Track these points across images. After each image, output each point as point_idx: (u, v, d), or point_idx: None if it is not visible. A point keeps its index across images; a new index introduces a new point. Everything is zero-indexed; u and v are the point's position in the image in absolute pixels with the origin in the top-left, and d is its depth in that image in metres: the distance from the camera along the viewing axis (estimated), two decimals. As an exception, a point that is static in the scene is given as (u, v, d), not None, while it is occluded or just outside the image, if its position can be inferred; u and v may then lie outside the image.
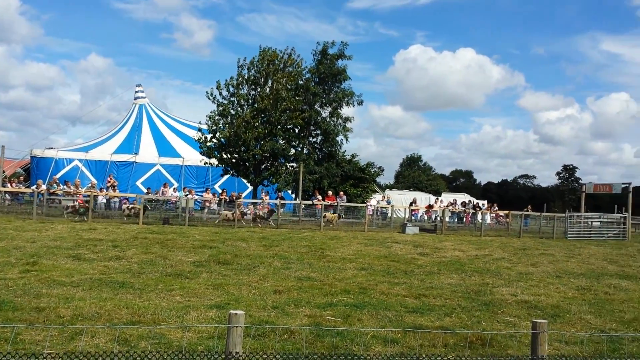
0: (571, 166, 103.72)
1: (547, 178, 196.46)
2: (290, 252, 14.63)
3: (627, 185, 28.74)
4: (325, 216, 24.82)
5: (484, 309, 9.10)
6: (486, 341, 7.09)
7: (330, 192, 28.68)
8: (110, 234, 16.68)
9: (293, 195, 31.29)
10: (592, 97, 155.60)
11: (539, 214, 32.10)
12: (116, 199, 26.47)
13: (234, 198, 25.62)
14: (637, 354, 6.91)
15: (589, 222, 29.45)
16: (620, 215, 28.93)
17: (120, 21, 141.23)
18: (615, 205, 36.57)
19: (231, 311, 4.03)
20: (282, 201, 27.54)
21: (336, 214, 25.17)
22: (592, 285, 11.78)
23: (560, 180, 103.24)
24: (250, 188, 32.38)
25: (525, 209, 32.65)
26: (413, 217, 30.05)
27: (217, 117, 29.79)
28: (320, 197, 27.39)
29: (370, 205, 29.03)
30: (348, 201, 28.79)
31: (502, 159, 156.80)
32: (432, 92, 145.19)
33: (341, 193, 29.27)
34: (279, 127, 30.05)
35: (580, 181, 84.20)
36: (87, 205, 22.67)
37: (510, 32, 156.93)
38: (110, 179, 29.92)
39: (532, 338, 4.63)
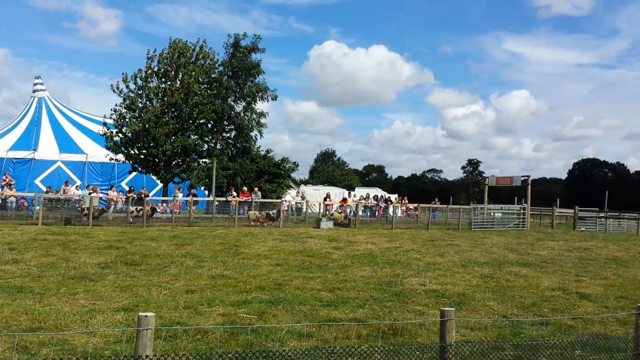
0: (475, 160, 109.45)
1: (453, 172, 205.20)
2: (203, 250, 14.31)
3: (526, 177, 30.49)
4: (332, 214, 26.11)
5: (395, 300, 9.34)
6: (397, 331, 7.28)
7: (245, 188, 28.40)
8: (6, 236, 15.55)
9: (206, 192, 30.69)
10: (495, 95, 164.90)
11: (445, 206, 33.50)
12: (12, 199, 24.76)
13: (143, 196, 24.73)
14: (537, 336, 7.35)
15: (492, 214, 31.08)
16: (520, 206, 30.78)
17: (19, 9, 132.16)
18: (516, 197, 38.88)
19: (140, 313, 3.85)
20: (195, 198, 26.93)
21: (342, 214, 25.61)
22: (494, 273, 12.42)
23: (465, 174, 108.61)
24: (160, 185, 31.41)
25: (433, 202, 33.98)
26: (327, 212, 30.38)
27: (123, 111, 28.62)
28: (235, 194, 27.04)
29: (286, 201, 29.06)
30: (263, 197, 28.64)
31: (412, 154, 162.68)
32: (345, 88, 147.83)
33: (256, 189, 29.06)
34: (190, 122, 29.34)
35: (483, 174, 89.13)
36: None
37: (420, 30, 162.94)
38: (6, 177, 27.88)
39: (440, 326, 4.77)
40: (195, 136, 30.32)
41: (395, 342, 6.67)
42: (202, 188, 31.62)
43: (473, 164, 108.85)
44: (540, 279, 11.87)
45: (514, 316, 8.57)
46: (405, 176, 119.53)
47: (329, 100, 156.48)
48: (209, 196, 28.21)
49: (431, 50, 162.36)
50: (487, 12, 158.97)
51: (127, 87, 28.79)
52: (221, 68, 30.99)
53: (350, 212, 30.05)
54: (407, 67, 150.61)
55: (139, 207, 22.72)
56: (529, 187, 29.82)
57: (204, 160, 30.90)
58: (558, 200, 43.14)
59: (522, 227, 28.11)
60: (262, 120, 31.56)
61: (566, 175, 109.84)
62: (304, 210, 29.49)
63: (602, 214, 36.00)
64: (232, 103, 31.13)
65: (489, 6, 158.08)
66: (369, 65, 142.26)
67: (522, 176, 31.05)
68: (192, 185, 29.37)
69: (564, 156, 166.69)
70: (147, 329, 3.80)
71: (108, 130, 28.70)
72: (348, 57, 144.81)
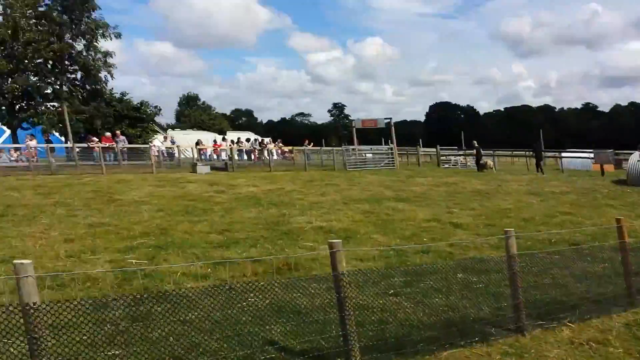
0: (340, 104, 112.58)
1: (321, 115, 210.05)
2: (73, 199, 13.29)
3: (389, 120, 31.90)
4: (486, 163, 28.77)
5: (285, 238, 9.45)
6: (292, 266, 7.39)
7: (107, 134, 26.57)
8: None
9: (63, 138, 28.36)
10: (352, 40, 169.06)
11: (319, 148, 34.11)
12: None
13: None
14: (421, 263, 7.85)
15: (363, 154, 32.25)
16: (388, 147, 32.20)
17: None
18: (382, 139, 40.63)
19: (16, 261, 3.55)
20: (51, 144, 24.76)
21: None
22: (374, 209, 12.98)
23: (332, 117, 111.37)
24: (8, 132, 28.57)
25: (305, 144, 34.41)
26: (202, 157, 29.62)
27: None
28: (96, 139, 25.18)
29: (154, 146, 27.82)
30: (128, 142, 27.11)
31: (280, 97, 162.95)
32: (202, 29, 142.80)
33: (118, 133, 27.22)
34: (26, 61, 26.65)
35: (349, 117, 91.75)
36: None
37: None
38: None
39: (330, 257, 4.91)
40: (35, 77, 27.80)
41: (292, 277, 6.77)
42: (58, 134, 29.23)
43: (338, 107, 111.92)
44: (416, 212, 12.61)
45: (397, 246, 9.05)
46: (275, 120, 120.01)
47: (186, 42, 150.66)
48: (66, 142, 26.05)
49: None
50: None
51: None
52: (48, 1, 28.44)
53: (226, 156, 29.53)
54: (263, 11, 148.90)
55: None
56: (393, 128, 31.21)
57: (52, 104, 28.48)
58: (421, 140, 45.83)
59: (392, 166, 29.53)
60: (110, 60, 29.96)
61: (424, 118, 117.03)
62: (177, 155, 28.43)
63: (461, 152, 38.89)
64: (71, 41, 28.89)
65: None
66: (225, 7, 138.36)
67: (385, 118, 32.40)
68: (44, 131, 27.03)
69: (421, 100, 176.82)
70: (27, 277, 3.56)
71: None
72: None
